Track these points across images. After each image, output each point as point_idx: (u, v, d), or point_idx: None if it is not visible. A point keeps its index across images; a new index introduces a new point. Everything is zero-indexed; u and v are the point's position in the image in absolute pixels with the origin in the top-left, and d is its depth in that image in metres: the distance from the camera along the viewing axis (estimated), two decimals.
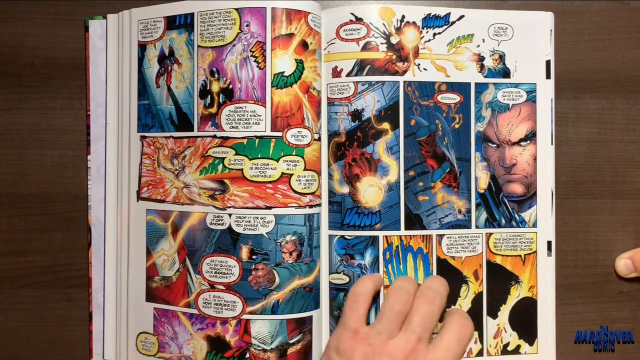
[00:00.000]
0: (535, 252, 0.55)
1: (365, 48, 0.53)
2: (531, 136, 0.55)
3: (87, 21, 0.56)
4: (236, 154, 0.52)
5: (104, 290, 0.56)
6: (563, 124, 0.57)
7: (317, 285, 0.53)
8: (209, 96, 0.53)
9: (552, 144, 0.55)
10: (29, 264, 0.57)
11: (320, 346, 0.53)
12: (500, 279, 0.55)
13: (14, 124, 0.57)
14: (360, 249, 0.53)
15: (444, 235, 0.54)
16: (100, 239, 0.56)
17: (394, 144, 0.53)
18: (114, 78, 0.56)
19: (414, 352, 0.45)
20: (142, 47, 0.55)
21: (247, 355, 0.52)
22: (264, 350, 0.52)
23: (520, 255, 0.55)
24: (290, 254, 0.52)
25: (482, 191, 0.55)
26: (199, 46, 0.53)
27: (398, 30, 0.53)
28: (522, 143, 0.55)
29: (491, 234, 0.55)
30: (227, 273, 0.52)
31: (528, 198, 0.55)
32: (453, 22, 0.54)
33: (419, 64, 0.54)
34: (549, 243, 0.55)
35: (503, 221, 0.55)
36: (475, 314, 0.54)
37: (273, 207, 0.52)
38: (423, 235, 0.54)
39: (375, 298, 0.51)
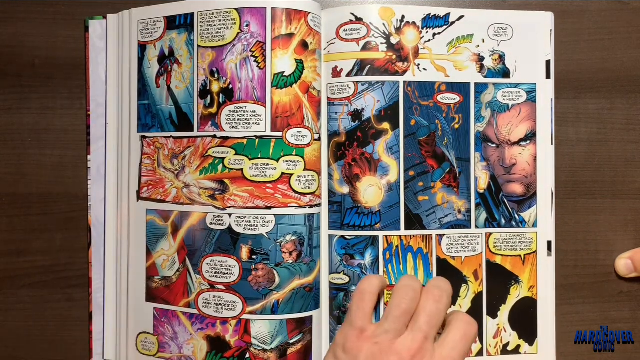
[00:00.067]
0: (535, 252, 0.55)
1: (365, 48, 0.53)
2: (531, 136, 0.55)
3: (87, 21, 0.56)
4: (236, 154, 0.52)
5: (104, 290, 0.56)
6: (563, 124, 0.57)
7: (317, 285, 0.53)
8: (209, 96, 0.53)
9: (552, 144, 0.55)
10: (29, 264, 0.57)
11: (320, 346, 0.53)
12: (500, 279, 0.55)
13: (14, 124, 0.57)
14: (360, 249, 0.53)
15: (443, 235, 0.54)
16: (100, 239, 0.56)
17: (394, 144, 0.53)
18: (114, 78, 0.56)
19: (421, 351, 0.45)
20: (142, 47, 0.55)
21: (247, 355, 0.52)
22: (264, 350, 0.52)
23: (520, 255, 0.55)
24: (290, 254, 0.52)
25: (482, 191, 0.55)
26: (199, 46, 0.53)
27: (398, 30, 0.53)
28: (522, 143, 0.55)
29: (491, 234, 0.55)
30: (227, 273, 0.52)
31: (528, 198, 0.55)
32: (453, 22, 0.54)
33: (418, 64, 0.54)
34: (549, 243, 0.55)
35: (503, 221, 0.55)
36: (475, 314, 0.54)
37: (273, 207, 0.52)
38: (423, 235, 0.54)
39: (379, 298, 0.51)
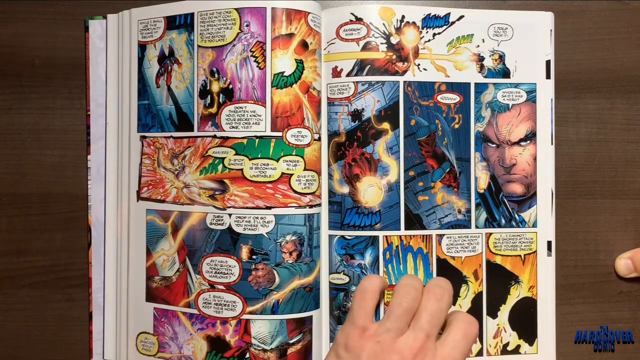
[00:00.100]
0: (535, 252, 0.55)
1: (365, 48, 0.53)
2: (531, 136, 0.55)
3: (87, 21, 0.56)
4: (236, 154, 0.52)
5: (104, 290, 0.56)
6: (563, 124, 0.57)
7: (317, 285, 0.53)
8: (209, 96, 0.53)
9: (552, 144, 0.55)
10: (29, 264, 0.57)
11: (320, 346, 0.53)
12: (500, 278, 0.55)
13: (14, 124, 0.57)
14: (360, 249, 0.53)
15: (443, 235, 0.54)
16: (100, 239, 0.56)
17: (394, 144, 0.53)
18: (114, 78, 0.56)
19: (423, 349, 0.45)
20: (142, 47, 0.55)
21: (247, 355, 0.52)
22: (264, 350, 0.52)
23: (520, 255, 0.55)
24: (290, 254, 0.52)
25: (481, 191, 0.55)
26: (199, 46, 0.53)
27: (398, 30, 0.53)
28: (522, 143, 0.55)
29: (491, 234, 0.55)
30: (227, 273, 0.52)
31: (528, 198, 0.55)
32: (453, 22, 0.54)
33: (418, 64, 0.54)
34: (549, 243, 0.55)
35: (503, 221, 0.55)
36: (475, 313, 0.54)
37: (273, 207, 0.52)
38: (423, 235, 0.54)
39: (380, 298, 0.51)
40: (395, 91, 0.53)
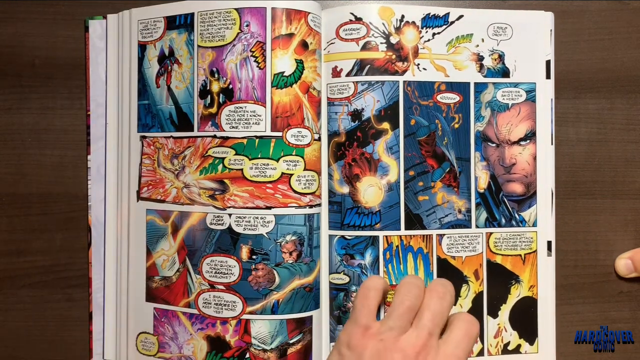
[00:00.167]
0: (535, 251, 0.55)
1: (364, 48, 0.53)
2: (531, 135, 0.55)
3: (87, 21, 0.56)
4: (236, 154, 0.52)
5: (104, 290, 0.56)
6: (563, 124, 0.57)
7: (317, 285, 0.53)
8: (209, 96, 0.53)
9: (552, 143, 0.55)
10: (29, 264, 0.57)
11: (320, 346, 0.53)
12: (500, 278, 0.55)
13: (14, 124, 0.57)
14: (360, 249, 0.53)
15: (444, 235, 0.54)
16: (100, 239, 0.56)
17: (394, 143, 0.53)
18: (114, 78, 0.56)
19: (426, 347, 0.45)
20: (142, 47, 0.55)
21: (247, 355, 0.52)
22: (264, 350, 0.52)
23: (520, 255, 0.55)
24: (290, 254, 0.52)
25: (482, 191, 0.55)
26: (199, 46, 0.53)
27: (397, 30, 0.53)
28: (522, 142, 0.55)
29: (491, 233, 0.55)
30: (227, 273, 0.52)
31: (528, 197, 0.55)
32: (452, 22, 0.54)
33: (418, 64, 0.54)
34: (549, 243, 0.55)
35: (503, 221, 0.55)
36: (475, 313, 0.54)
37: (273, 207, 0.52)
38: (423, 235, 0.54)
39: (382, 298, 0.51)
40: (395, 91, 0.53)
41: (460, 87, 0.54)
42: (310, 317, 0.53)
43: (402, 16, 0.53)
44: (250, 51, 0.52)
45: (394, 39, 0.53)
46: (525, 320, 0.55)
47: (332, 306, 0.54)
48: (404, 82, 0.53)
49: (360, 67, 0.53)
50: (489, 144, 0.55)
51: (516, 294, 0.55)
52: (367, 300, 0.48)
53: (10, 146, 0.57)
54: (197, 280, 0.53)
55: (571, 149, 0.57)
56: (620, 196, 0.57)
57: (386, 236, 0.53)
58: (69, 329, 0.56)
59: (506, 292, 0.55)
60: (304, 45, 0.52)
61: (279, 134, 0.51)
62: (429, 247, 0.54)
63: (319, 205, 0.53)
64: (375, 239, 0.53)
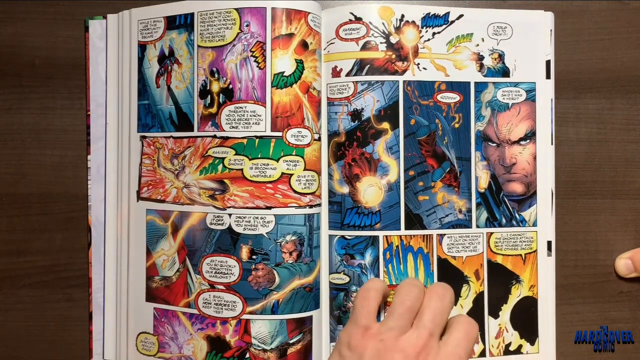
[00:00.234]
0: (536, 251, 0.55)
1: (364, 48, 0.53)
2: (531, 135, 0.55)
3: (87, 21, 0.56)
4: (236, 154, 0.52)
5: (104, 290, 0.56)
6: (563, 124, 0.57)
7: (317, 285, 0.53)
8: (209, 96, 0.53)
9: (552, 143, 0.55)
10: (29, 264, 0.57)
11: (320, 346, 0.53)
12: (501, 278, 0.55)
13: (14, 124, 0.57)
14: (360, 249, 0.53)
15: (444, 235, 0.54)
16: (100, 239, 0.56)
17: (394, 143, 0.53)
18: (114, 78, 0.56)
19: (426, 347, 0.45)
20: (142, 47, 0.55)
21: (247, 355, 0.52)
22: (264, 350, 0.52)
23: (520, 255, 0.55)
24: (290, 254, 0.52)
25: (482, 190, 0.55)
26: (199, 46, 0.53)
27: (397, 29, 0.53)
28: (522, 142, 0.55)
29: (492, 233, 0.55)
30: (227, 273, 0.52)
31: (528, 197, 0.55)
32: (452, 22, 0.54)
33: (418, 64, 0.54)
34: (549, 243, 0.55)
35: (503, 220, 0.55)
36: (476, 314, 0.54)
37: (273, 207, 0.52)
38: (423, 235, 0.54)
39: (382, 300, 0.51)
40: (394, 91, 0.53)
41: (460, 87, 0.54)
42: (310, 317, 0.53)
43: (402, 16, 0.53)
44: (250, 51, 0.52)
45: (393, 39, 0.53)
46: (526, 320, 0.55)
47: (332, 306, 0.54)
48: (404, 81, 0.53)
49: (360, 67, 0.53)
50: (490, 143, 0.55)
51: (517, 294, 0.55)
52: (367, 301, 0.48)
53: (10, 146, 0.57)
54: (197, 280, 0.53)
55: (571, 149, 0.57)
56: (620, 196, 0.57)
57: (386, 236, 0.53)
58: (69, 329, 0.56)
59: (507, 292, 0.55)
60: (304, 45, 0.52)
61: (279, 134, 0.51)
62: (429, 247, 0.54)
63: (319, 205, 0.53)
64: (375, 239, 0.53)
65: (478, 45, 0.55)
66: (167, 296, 0.54)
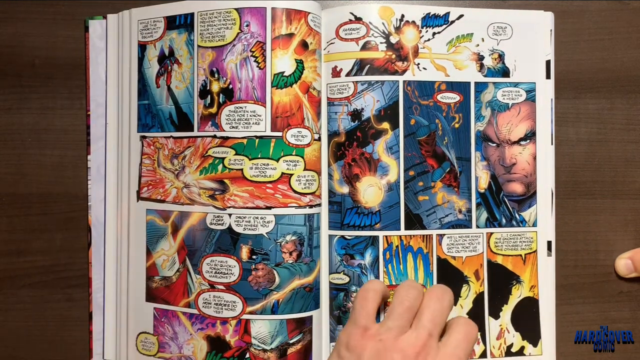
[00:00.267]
0: (536, 251, 0.55)
1: (364, 48, 0.53)
2: (531, 135, 0.55)
3: (87, 21, 0.56)
4: (236, 154, 0.52)
5: (104, 290, 0.56)
6: (563, 124, 0.57)
7: (317, 285, 0.53)
8: (209, 96, 0.53)
9: (552, 143, 0.55)
10: (29, 264, 0.57)
11: (320, 346, 0.53)
12: (501, 278, 0.55)
13: (14, 124, 0.57)
14: (360, 249, 0.53)
15: (444, 235, 0.54)
16: (100, 239, 0.56)
17: (394, 143, 0.53)
18: (114, 78, 0.56)
19: (426, 347, 0.45)
20: (142, 47, 0.55)
21: (247, 355, 0.52)
22: (264, 350, 0.52)
23: (520, 255, 0.55)
24: (290, 254, 0.52)
25: (482, 191, 0.55)
26: (199, 46, 0.53)
27: (397, 29, 0.53)
28: (522, 142, 0.55)
29: (492, 233, 0.55)
30: (227, 273, 0.52)
31: (528, 197, 0.55)
32: (452, 22, 0.54)
33: (418, 64, 0.54)
34: (549, 243, 0.55)
35: (503, 221, 0.55)
36: (476, 314, 0.54)
37: (273, 207, 0.52)
38: (423, 235, 0.54)
39: (382, 301, 0.51)
40: (394, 91, 0.53)
41: (460, 87, 0.54)
42: (310, 317, 0.53)
43: (402, 16, 0.53)
44: (250, 51, 0.52)
45: (393, 39, 0.53)
46: (527, 321, 0.55)
47: (332, 306, 0.54)
48: (404, 81, 0.53)
49: (360, 67, 0.53)
50: (489, 143, 0.55)
51: (517, 294, 0.55)
52: (366, 301, 0.48)
53: (10, 146, 0.57)
54: (197, 280, 0.53)
55: (571, 149, 0.57)
56: (620, 196, 0.57)
57: (386, 236, 0.53)
58: (69, 329, 0.56)
59: (507, 292, 0.55)
60: (304, 45, 0.52)
61: (279, 134, 0.51)
62: (429, 247, 0.54)
63: (319, 205, 0.53)
64: (375, 239, 0.53)
65: (478, 45, 0.55)
66: (167, 296, 0.54)
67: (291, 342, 0.52)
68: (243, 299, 0.52)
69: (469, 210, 0.54)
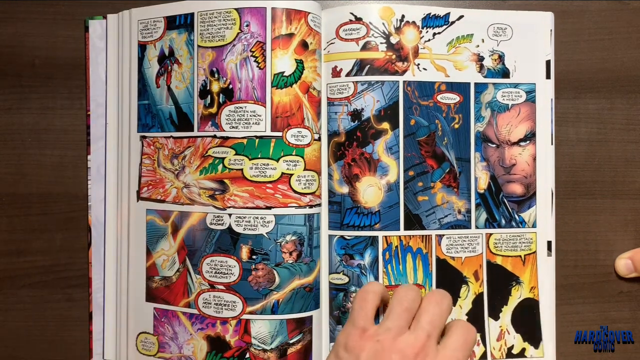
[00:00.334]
0: (535, 252, 0.55)
1: (364, 48, 0.53)
2: (530, 136, 0.55)
3: (87, 21, 0.56)
4: (236, 154, 0.52)
5: (104, 290, 0.56)
6: (563, 124, 0.57)
7: (317, 285, 0.53)
8: (209, 96, 0.53)
9: (552, 144, 0.55)
10: (29, 264, 0.57)
11: (320, 346, 0.53)
12: (500, 279, 0.55)
13: (14, 124, 0.57)
14: (359, 249, 0.53)
15: (443, 235, 0.54)
16: (100, 239, 0.56)
17: (394, 143, 0.53)
18: (114, 78, 0.56)
19: (424, 349, 0.45)
20: (142, 47, 0.55)
21: (247, 355, 0.52)
22: (264, 350, 0.52)
23: (520, 256, 0.55)
24: (290, 254, 0.52)
25: (481, 191, 0.55)
26: (199, 46, 0.53)
27: (398, 30, 0.53)
28: (522, 143, 0.55)
29: (491, 234, 0.55)
30: (227, 273, 0.52)
31: (528, 198, 0.55)
32: (452, 22, 0.54)
33: (418, 64, 0.54)
34: (549, 243, 0.55)
35: (503, 221, 0.55)
36: (476, 315, 0.54)
37: (273, 207, 0.52)
38: (422, 236, 0.54)
39: (381, 303, 0.51)
40: (394, 91, 0.53)
41: (460, 88, 0.54)
42: (310, 317, 0.53)
43: (403, 16, 0.53)
44: (250, 51, 0.52)
45: (394, 39, 0.53)
46: (528, 322, 0.55)
47: (332, 306, 0.54)
48: (404, 82, 0.53)
49: (360, 67, 0.53)
50: (489, 144, 0.55)
51: (517, 295, 0.55)
52: (365, 302, 0.48)
53: (10, 146, 0.57)
54: (197, 280, 0.53)
55: (571, 149, 0.57)
56: (620, 196, 0.57)
57: (385, 236, 0.53)
58: (69, 329, 0.57)
59: (507, 293, 0.55)
60: (304, 45, 0.52)
61: (279, 134, 0.51)
62: (429, 247, 0.54)
63: (319, 205, 0.53)
64: (374, 239, 0.53)
65: (478, 46, 0.55)
66: (167, 296, 0.54)
67: (291, 342, 0.52)
68: (243, 299, 0.52)
69: (469, 211, 0.54)
